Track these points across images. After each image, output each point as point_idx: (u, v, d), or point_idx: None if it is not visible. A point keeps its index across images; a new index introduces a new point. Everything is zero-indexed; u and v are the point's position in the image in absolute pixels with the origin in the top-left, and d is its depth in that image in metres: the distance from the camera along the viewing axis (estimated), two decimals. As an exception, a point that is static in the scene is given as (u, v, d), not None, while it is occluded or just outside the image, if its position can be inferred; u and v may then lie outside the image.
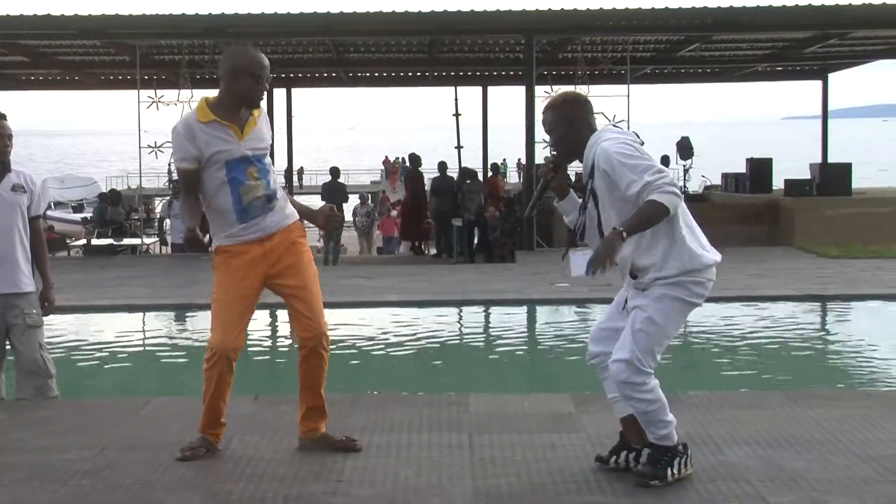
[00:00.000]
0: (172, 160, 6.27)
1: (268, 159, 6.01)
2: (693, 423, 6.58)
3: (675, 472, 5.43)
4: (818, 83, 30.51)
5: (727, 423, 6.58)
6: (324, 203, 6.63)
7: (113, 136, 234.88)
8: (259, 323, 13.72)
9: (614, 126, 5.71)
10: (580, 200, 5.63)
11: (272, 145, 6.12)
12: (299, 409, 6.12)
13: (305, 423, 6.10)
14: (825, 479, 5.46)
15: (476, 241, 22.44)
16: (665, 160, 26.38)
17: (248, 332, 6.10)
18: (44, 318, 7.63)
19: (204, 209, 5.96)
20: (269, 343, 13.42)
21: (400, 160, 69.90)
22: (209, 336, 5.92)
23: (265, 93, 6.02)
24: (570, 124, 5.53)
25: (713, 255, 5.50)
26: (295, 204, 6.40)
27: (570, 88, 22.50)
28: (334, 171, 23.75)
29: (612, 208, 5.40)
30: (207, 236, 6.06)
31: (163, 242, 25.80)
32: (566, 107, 5.59)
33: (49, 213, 27.79)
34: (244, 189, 5.85)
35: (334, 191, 22.85)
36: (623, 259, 5.41)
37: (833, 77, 30.46)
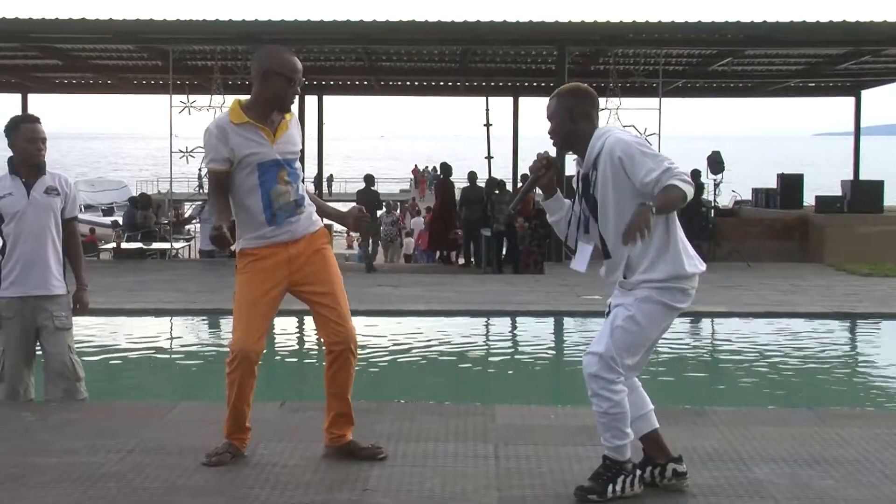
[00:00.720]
0: (204, 162, 6.26)
1: (298, 164, 6.02)
2: (720, 440, 6.55)
3: (618, 489, 5.36)
4: (851, 100, 30.39)
5: (754, 440, 6.54)
6: (353, 205, 6.57)
7: (144, 141, 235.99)
8: (285, 329, 13.74)
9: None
10: (567, 202, 5.62)
11: (302, 151, 6.12)
12: (326, 415, 6.10)
13: (332, 429, 6.09)
14: (853, 499, 5.42)
15: (505, 251, 22.41)
16: (696, 174, 26.33)
17: (274, 338, 6.11)
18: (73, 320, 7.66)
19: (233, 210, 5.97)
20: (295, 349, 13.44)
21: (430, 169, 70.02)
22: (231, 339, 5.93)
23: (296, 96, 6.00)
24: (570, 113, 5.49)
25: (699, 265, 5.50)
26: (324, 206, 6.42)
27: (601, 100, 22.56)
28: (368, 179, 23.77)
29: (611, 204, 5.35)
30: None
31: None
32: (570, 96, 5.57)
33: (79, 216, 27.92)
34: (275, 193, 5.85)
35: (368, 198, 22.89)
36: (621, 255, 5.41)
37: (866, 94, 30.34)
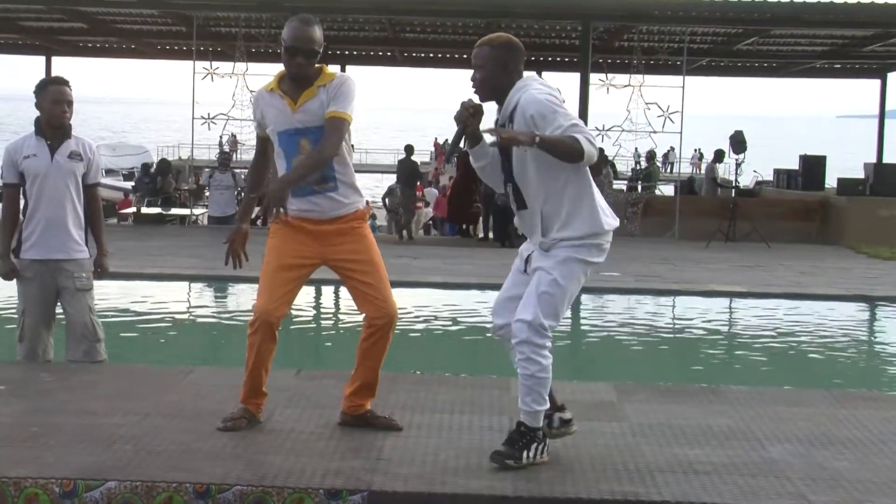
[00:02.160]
0: None
1: None
2: (735, 418, 6.55)
3: (531, 455, 5.45)
4: (876, 82, 30.20)
5: (770, 420, 6.55)
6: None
7: (167, 106, 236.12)
8: (303, 298, 13.77)
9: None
10: (491, 149, 5.63)
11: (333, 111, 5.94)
12: (350, 383, 6.10)
13: (353, 397, 6.10)
14: (867, 480, 5.42)
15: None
16: (720, 155, 26.25)
17: (292, 307, 6.11)
18: (94, 283, 7.71)
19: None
20: (311, 317, 13.48)
21: (446, 142, 69.92)
22: (255, 303, 5.95)
23: (307, 68, 5.86)
24: (505, 67, 5.52)
25: (613, 221, 5.58)
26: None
27: (625, 77, 22.51)
28: (408, 149, 24.03)
29: (528, 157, 5.38)
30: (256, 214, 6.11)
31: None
32: (505, 49, 5.58)
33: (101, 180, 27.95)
34: (296, 162, 5.87)
35: (407, 168, 23.23)
36: (531, 212, 5.47)
37: (892, 76, 30.12)
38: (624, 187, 28.96)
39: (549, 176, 5.38)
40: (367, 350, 5.99)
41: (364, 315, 6.00)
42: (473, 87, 5.51)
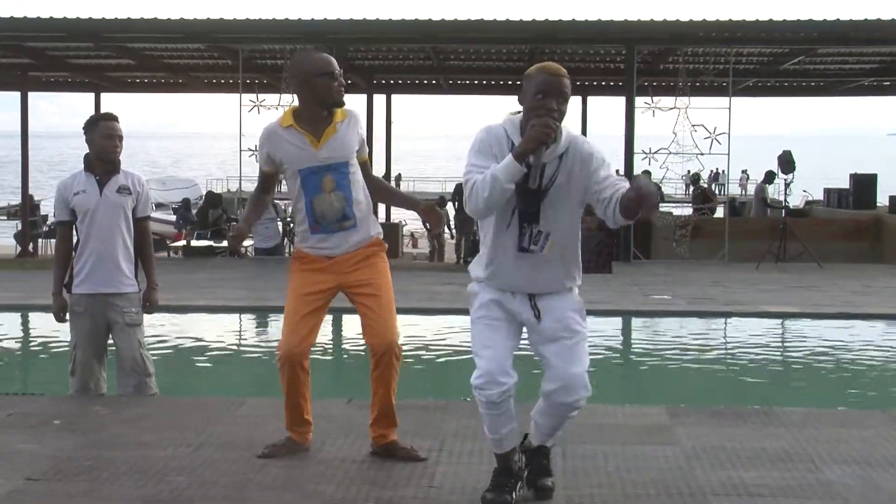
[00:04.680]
0: None
1: (352, 169, 5.97)
2: (790, 440, 6.48)
3: None
4: (927, 98, 29.96)
5: (825, 442, 6.47)
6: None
7: (215, 139, 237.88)
8: (352, 327, 13.77)
9: None
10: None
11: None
12: (371, 414, 6.11)
13: (375, 428, 6.10)
14: (926, 502, 5.35)
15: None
16: (770, 176, 26.10)
17: (343, 335, 6.13)
18: (144, 317, 7.76)
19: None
20: (363, 346, 13.47)
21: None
22: (280, 338, 6.00)
23: (343, 89, 5.96)
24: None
25: None
26: (397, 193, 6.49)
27: (670, 99, 22.44)
28: None
29: (577, 200, 5.13)
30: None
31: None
32: None
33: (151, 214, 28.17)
34: (318, 200, 5.88)
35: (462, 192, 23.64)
36: (552, 257, 5.15)
37: (943, 92, 29.86)
38: (674, 210, 28.86)
39: (578, 220, 5.26)
40: (376, 379, 6.00)
41: (368, 345, 6.03)
42: (554, 117, 5.01)
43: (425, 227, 24.97)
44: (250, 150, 22.42)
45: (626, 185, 5.01)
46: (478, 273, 5.26)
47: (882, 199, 24.48)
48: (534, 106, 5.03)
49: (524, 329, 5.32)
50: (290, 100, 22.46)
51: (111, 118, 7.68)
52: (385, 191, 6.65)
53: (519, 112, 5.18)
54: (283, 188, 6.30)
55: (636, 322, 14.81)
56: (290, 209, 6.38)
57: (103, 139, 7.52)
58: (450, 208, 27.38)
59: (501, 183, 4.87)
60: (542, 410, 5.35)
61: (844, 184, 25.67)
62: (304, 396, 6.04)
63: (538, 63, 5.31)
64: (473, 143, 5.11)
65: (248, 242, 24.83)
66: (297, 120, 5.91)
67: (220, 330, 14.51)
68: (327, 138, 5.87)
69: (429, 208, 6.35)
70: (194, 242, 24.76)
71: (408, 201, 6.66)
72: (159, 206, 39.78)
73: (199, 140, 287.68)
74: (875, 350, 13.21)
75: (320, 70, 5.86)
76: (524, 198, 5.01)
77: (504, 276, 5.17)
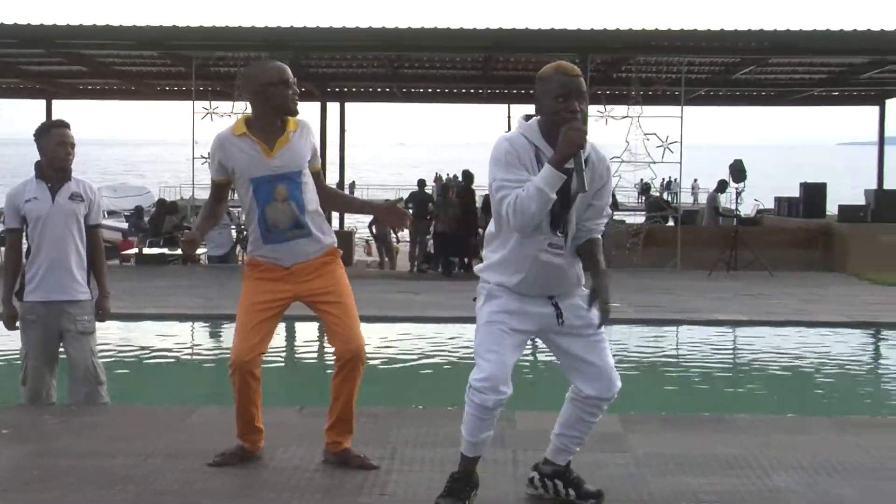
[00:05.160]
0: None
1: (304, 178, 5.96)
2: (739, 447, 6.54)
3: None
4: (875, 109, 30.24)
5: (773, 448, 6.53)
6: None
7: (167, 147, 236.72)
8: (306, 334, 13.77)
9: None
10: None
11: (323, 162, 6.13)
12: (328, 419, 6.10)
13: (330, 434, 6.10)
14: (872, 507, 5.41)
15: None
16: (723, 185, 26.27)
17: (295, 343, 6.13)
18: (96, 325, 7.72)
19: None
20: (315, 354, 13.46)
21: (452, 176, 70.07)
22: (231, 346, 5.97)
23: (297, 97, 5.98)
24: None
25: None
26: (355, 201, 6.50)
27: (623, 108, 22.56)
28: (421, 183, 25.72)
29: (584, 203, 5.15)
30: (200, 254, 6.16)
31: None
32: None
33: (102, 221, 27.97)
34: (270, 209, 5.87)
35: (417, 200, 23.91)
36: (567, 263, 5.21)
37: (890, 103, 30.16)
38: (626, 218, 28.97)
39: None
40: (338, 386, 5.99)
41: (334, 351, 6.02)
42: (575, 117, 4.99)
43: (372, 231, 25.22)
44: (203, 157, 22.30)
45: (604, 223, 5.24)
46: (500, 279, 5.19)
47: (831, 208, 24.68)
48: (558, 109, 5.02)
49: (537, 340, 5.42)
50: (244, 107, 22.40)
51: (63, 125, 7.64)
52: (340, 199, 6.66)
53: (532, 116, 5.17)
54: (237, 196, 6.28)
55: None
56: (243, 216, 6.33)
57: (56, 146, 7.48)
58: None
59: (547, 194, 4.87)
60: (573, 419, 5.41)
61: (795, 193, 25.87)
62: (255, 404, 6.02)
63: (555, 64, 5.18)
64: (498, 156, 5.03)
65: (201, 250, 24.75)
66: (250, 128, 5.90)
67: (173, 338, 14.43)
68: (280, 147, 5.87)
69: (389, 208, 6.36)
70: (147, 250, 24.61)
71: (366, 206, 6.70)
72: (111, 213, 39.58)
73: (152, 147, 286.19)
74: (824, 357, 13.33)
75: (275, 79, 5.86)
76: (556, 203, 4.98)
77: (532, 281, 5.15)
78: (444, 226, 22.98)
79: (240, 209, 6.13)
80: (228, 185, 6.04)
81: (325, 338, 6.12)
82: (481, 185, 26.80)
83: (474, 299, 5.37)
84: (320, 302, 5.98)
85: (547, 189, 4.85)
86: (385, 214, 6.38)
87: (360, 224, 30.98)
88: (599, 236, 5.28)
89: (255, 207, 5.89)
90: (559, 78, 5.07)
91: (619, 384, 5.33)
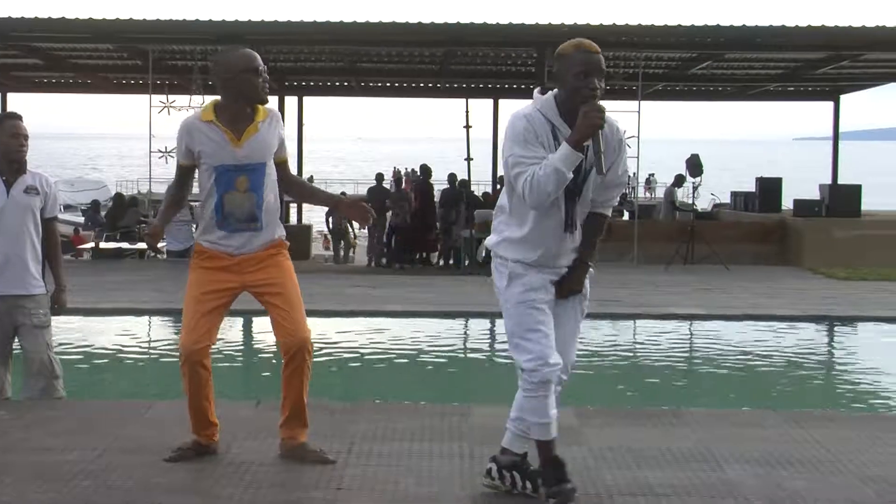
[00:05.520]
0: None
1: (268, 170, 5.94)
2: (694, 440, 6.58)
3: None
4: (830, 104, 30.50)
5: (728, 441, 6.58)
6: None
7: (124, 140, 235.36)
8: (263, 329, 13.72)
9: None
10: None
11: (285, 154, 6.10)
12: (281, 414, 6.09)
13: (285, 429, 6.08)
14: (825, 500, 5.46)
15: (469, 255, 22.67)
16: (680, 179, 26.41)
17: (252, 338, 6.12)
18: (52, 319, 7.67)
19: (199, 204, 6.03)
20: (272, 349, 13.44)
21: (410, 171, 70.07)
22: (180, 336, 5.95)
23: (268, 87, 5.95)
24: None
25: None
26: (316, 191, 6.51)
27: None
28: (379, 177, 25.35)
29: (596, 180, 5.21)
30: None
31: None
32: None
33: (59, 215, 27.74)
34: (229, 198, 5.84)
35: (375, 195, 23.93)
36: (575, 235, 5.27)
37: (845, 99, 30.44)
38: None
39: None
40: (287, 378, 5.97)
41: (279, 344, 6.02)
42: (595, 95, 4.98)
43: (328, 224, 25.32)
44: (160, 151, 22.23)
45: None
46: (519, 255, 5.21)
47: (787, 203, 24.86)
48: (579, 86, 5.01)
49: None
50: (201, 101, 22.31)
51: (15, 117, 7.58)
52: (304, 190, 6.62)
53: (549, 90, 5.17)
54: (197, 190, 6.25)
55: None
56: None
57: (9, 138, 7.42)
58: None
59: (564, 174, 4.92)
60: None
61: (751, 187, 26.03)
62: (206, 397, 5.98)
63: (574, 41, 5.16)
64: (514, 133, 5.05)
65: (161, 244, 24.63)
66: (219, 115, 5.85)
67: (129, 332, 14.36)
68: (248, 137, 5.84)
69: (352, 203, 6.35)
70: (103, 244, 24.45)
71: (330, 199, 6.67)
72: (68, 207, 39.28)
73: (109, 141, 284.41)
74: (778, 351, 13.43)
75: (246, 66, 5.82)
76: (573, 180, 5.02)
77: (550, 255, 5.21)
78: (398, 219, 23.05)
79: (198, 203, 6.06)
80: (193, 169, 5.98)
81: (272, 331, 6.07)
82: (439, 180, 26.93)
83: (489, 279, 5.40)
84: (266, 293, 5.95)
85: (564, 169, 4.91)
86: (348, 209, 6.37)
87: (317, 219, 30.90)
88: (608, 212, 5.36)
89: (214, 193, 5.86)
90: (580, 55, 5.07)
91: (573, 359, 5.42)
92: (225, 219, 5.86)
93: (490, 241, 5.37)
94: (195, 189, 6.36)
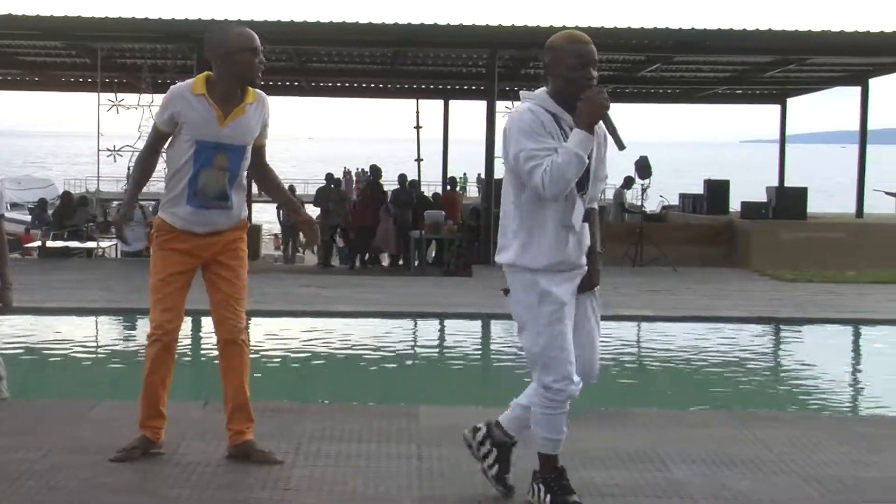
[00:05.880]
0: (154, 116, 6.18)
1: (246, 153, 5.91)
2: (641, 440, 6.61)
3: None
4: (777, 107, 30.77)
5: (675, 442, 6.62)
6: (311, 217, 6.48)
7: (73, 139, 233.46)
8: (211, 328, 13.65)
9: None
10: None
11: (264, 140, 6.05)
12: (225, 409, 6.04)
13: (231, 425, 6.02)
14: (768, 500, 5.50)
15: (434, 253, 22.67)
16: (629, 181, 26.54)
17: (201, 338, 6.09)
18: (-4, 318, 7.61)
19: (166, 174, 5.96)
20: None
21: (360, 171, 69.96)
22: (150, 315, 5.88)
23: (263, 67, 5.89)
24: None
25: None
26: (284, 191, 6.43)
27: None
28: (329, 177, 25.06)
29: (597, 170, 5.22)
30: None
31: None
32: None
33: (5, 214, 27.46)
34: (204, 173, 5.78)
35: (325, 195, 23.83)
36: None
37: (792, 102, 30.76)
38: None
39: None
40: (226, 369, 5.95)
41: (215, 330, 6.00)
42: (593, 84, 5.09)
43: (279, 217, 25.28)
44: (109, 150, 22.09)
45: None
46: (546, 260, 5.09)
47: (735, 205, 25.05)
48: (575, 77, 5.04)
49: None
50: (150, 100, 22.21)
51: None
52: (273, 183, 6.36)
53: (537, 87, 5.17)
54: (149, 189, 6.18)
55: (495, 325, 14.94)
56: (158, 211, 6.19)
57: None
58: (312, 209, 27.32)
59: (583, 158, 4.90)
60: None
61: (699, 189, 26.21)
62: (164, 384, 5.93)
63: (565, 33, 5.15)
64: (521, 127, 5.00)
65: (105, 244, 24.47)
66: (210, 90, 5.78)
67: (75, 332, 14.26)
68: (235, 117, 5.78)
69: (309, 223, 6.30)
70: (50, 243, 24.25)
71: (291, 203, 6.44)
72: (15, 206, 38.92)
73: (57, 139, 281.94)
74: (725, 352, 13.53)
75: (244, 45, 5.77)
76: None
77: (572, 253, 5.14)
78: (340, 219, 23.09)
79: (152, 203, 6.01)
80: (167, 138, 5.86)
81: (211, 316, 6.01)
82: (390, 180, 26.93)
83: (505, 291, 5.30)
84: (217, 275, 5.92)
85: (583, 153, 4.91)
86: (304, 223, 6.30)
87: (267, 220, 30.81)
88: (596, 206, 5.34)
89: (190, 167, 5.78)
90: (574, 47, 5.09)
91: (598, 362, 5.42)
92: (196, 194, 5.80)
93: (507, 256, 5.19)
94: (146, 189, 6.30)
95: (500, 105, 22.20)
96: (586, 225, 5.19)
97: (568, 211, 5.07)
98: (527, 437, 5.45)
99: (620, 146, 5.09)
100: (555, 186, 4.90)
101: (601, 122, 5.05)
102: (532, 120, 5.01)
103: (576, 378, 5.14)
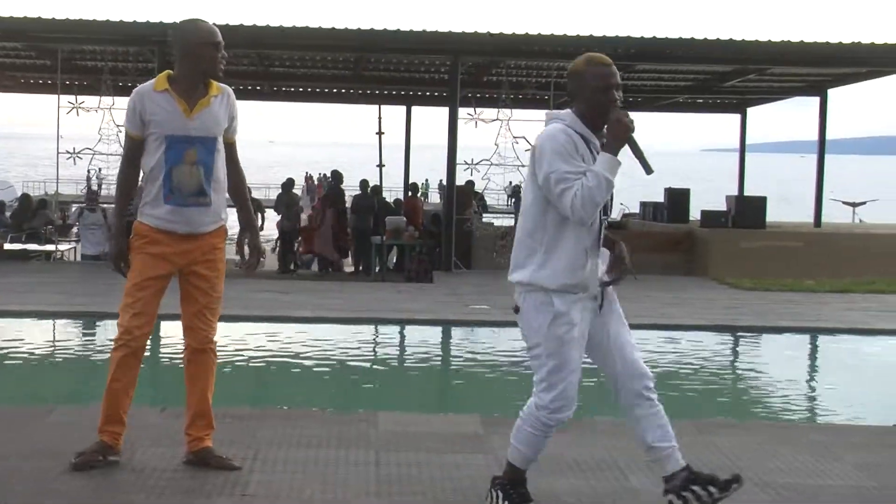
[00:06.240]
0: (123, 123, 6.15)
1: (218, 146, 5.89)
2: (599, 449, 6.65)
3: None
4: (737, 117, 30.97)
5: (632, 450, 6.61)
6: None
7: (31, 141, 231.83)
8: (171, 335, 13.60)
9: None
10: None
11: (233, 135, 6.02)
12: (186, 415, 6.04)
13: (191, 431, 6.01)
14: (725, 507, 5.53)
15: (395, 260, 22.68)
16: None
17: (160, 343, 6.06)
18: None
19: (142, 178, 5.93)
20: (179, 355, 13.31)
21: (322, 176, 69.83)
22: (120, 318, 5.85)
23: (225, 62, 5.91)
24: None
25: None
26: (245, 199, 6.35)
27: (493, 111, 22.74)
28: (289, 183, 24.87)
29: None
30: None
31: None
32: None
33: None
34: (177, 170, 5.77)
35: (285, 201, 23.73)
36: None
37: (752, 111, 30.96)
38: (495, 221, 29.24)
39: None
40: (191, 377, 5.97)
41: (184, 337, 5.99)
42: (617, 105, 5.14)
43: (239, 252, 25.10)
44: (68, 152, 21.98)
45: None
46: (563, 280, 5.12)
47: (695, 213, 25.16)
48: (601, 100, 5.09)
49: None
50: (111, 102, 22.09)
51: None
52: (239, 185, 6.27)
53: (563, 108, 5.20)
54: (110, 191, 6.12)
55: (455, 332, 14.95)
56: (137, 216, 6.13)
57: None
58: (273, 215, 27.21)
59: (612, 182, 4.98)
60: (645, 421, 5.57)
61: (660, 198, 26.31)
62: (126, 392, 5.88)
63: (584, 56, 5.27)
64: (555, 148, 5.03)
65: (65, 247, 24.30)
66: (172, 86, 5.79)
67: (33, 336, 14.15)
68: (200, 109, 5.79)
69: (254, 246, 6.26)
70: (8, 245, 24.05)
71: (244, 218, 6.27)
72: (-28, 207, 38.57)
73: (15, 141, 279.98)
74: (684, 360, 13.58)
75: (206, 40, 5.79)
76: None
77: (591, 272, 5.19)
78: (289, 223, 23.11)
79: (144, 178, 5.96)
80: (143, 143, 5.84)
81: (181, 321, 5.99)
82: (351, 186, 26.90)
83: (516, 310, 5.33)
84: (193, 284, 5.92)
85: (612, 177, 4.97)
86: (250, 247, 6.26)
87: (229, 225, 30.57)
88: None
89: (162, 166, 5.77)
90: (597, 69, 5.17)
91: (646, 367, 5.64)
92: (172, 192, 5.78)
93: (522, 274, 5.22)
94: (105, 190, 6.26)
95: (463, 112, 22.25)
96: (605, 251, 5.27)
97: (591, 233, 5.14)
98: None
99: (648, 170, 5.18)
100: (586, 210, 4.97)
101: (627, 145, 5.07)
102: (566, 141, 5.05)
103: (574, 405, 5.25)
